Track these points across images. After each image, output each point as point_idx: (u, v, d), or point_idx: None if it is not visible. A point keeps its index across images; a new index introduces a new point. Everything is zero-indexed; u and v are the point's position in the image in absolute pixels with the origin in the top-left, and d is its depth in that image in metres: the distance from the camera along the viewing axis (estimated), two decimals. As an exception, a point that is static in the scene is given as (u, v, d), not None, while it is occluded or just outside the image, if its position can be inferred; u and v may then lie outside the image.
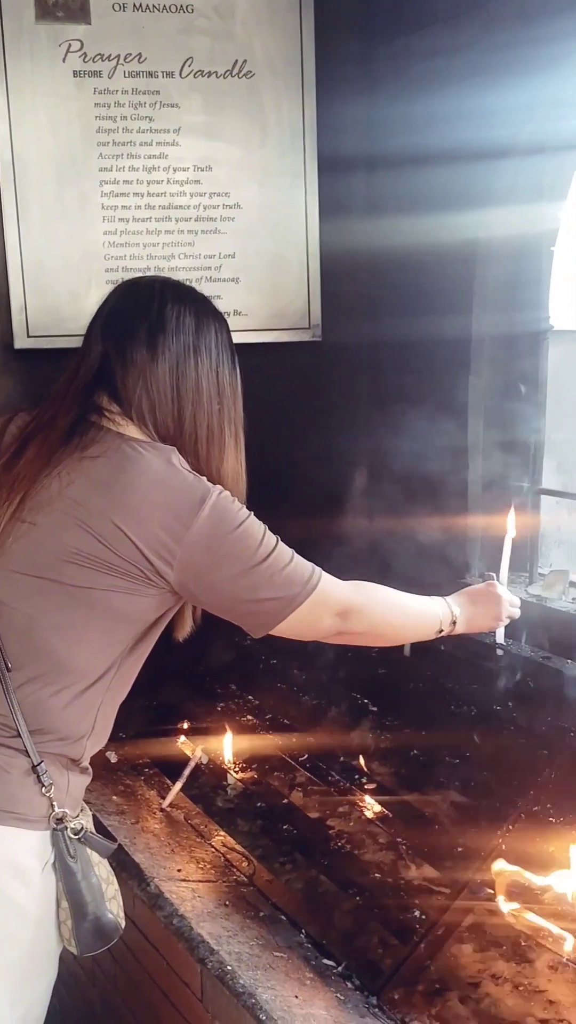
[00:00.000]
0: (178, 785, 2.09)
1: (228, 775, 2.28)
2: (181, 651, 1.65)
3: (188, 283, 1.57)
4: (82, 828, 1.42)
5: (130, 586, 1.38)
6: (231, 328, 1.55)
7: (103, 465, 1.38)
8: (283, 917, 1.72)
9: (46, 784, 1.38)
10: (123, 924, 1.48)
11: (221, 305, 1.59)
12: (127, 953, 1.84)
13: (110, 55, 2.55)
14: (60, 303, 2.59)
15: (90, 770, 1.51)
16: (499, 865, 1.80)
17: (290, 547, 1.45)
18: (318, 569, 1.46)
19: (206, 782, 2.25)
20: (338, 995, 1.51)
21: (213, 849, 1.93)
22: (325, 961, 1.60)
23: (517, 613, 1.80)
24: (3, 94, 2.47)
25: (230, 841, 1.97)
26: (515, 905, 1.72)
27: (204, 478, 1.40)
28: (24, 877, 1.38)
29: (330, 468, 2.87)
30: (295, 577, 1.43)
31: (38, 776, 1.38)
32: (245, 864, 1.88)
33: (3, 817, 1.36)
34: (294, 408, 2.83)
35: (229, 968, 1.50)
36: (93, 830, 1.47)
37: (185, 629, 1.61)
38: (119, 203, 2.62)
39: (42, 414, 1.47)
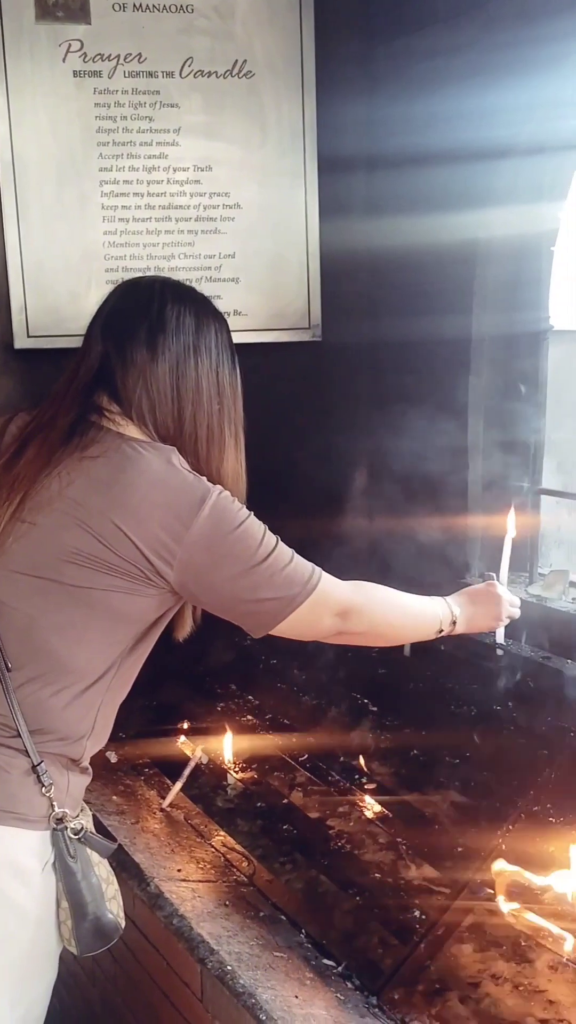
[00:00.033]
0: (178, 785, 2.09)
1: (228, 775, 2.28)
2: (181, 651, 1.65)
3: (188, 283, 1.57)
4: (82, 828, 1.42)
5: (130, 586, 1.38)
6: (231, 328, 1.55)
7: (103, 465, 1.38)
8: (283, 917, 1.72)
9: (46, 784, 1.38)
10: (123, 924, 1.48)
11: (221, 305, 1.59)
12: (127, 953, 1.84)
13: (110, 55, 2.55)
14: (60, 303, 2.59)
15: (90, 770, 1.51)
16: (499, 865, 1.80)
17: (290, 547, 1.45)
18: (318, 569, 1.46)
19: (206, 782, 2.25)
20: (338, 995, 1.51)
21: (213, 849, 1.93)
22: (325, 961, 1.60)
23: (517, 613, 1.80)
24: (3, 94, 2.47)
25: (230, 841, 1.97)
26: (515, 905, 1.72)
27: (204, 478, 1.40)
28: (24, 877, 1.38)
29: (330, 468, 2.87)
30: (295, 577, 1.43)
31: (38, 776, 1.38)
32: (245, 864, 1.88)
33: (3, 817, 1.36)
34: (294, 408, 2.83)
35: (229, 968, 1.50)
36: (93, 830, 1.47)
37: (185, 629, 1.61)
38: (119, 203, 2.62)
39: (42, 414, 1.48)
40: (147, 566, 1.36)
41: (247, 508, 1.43)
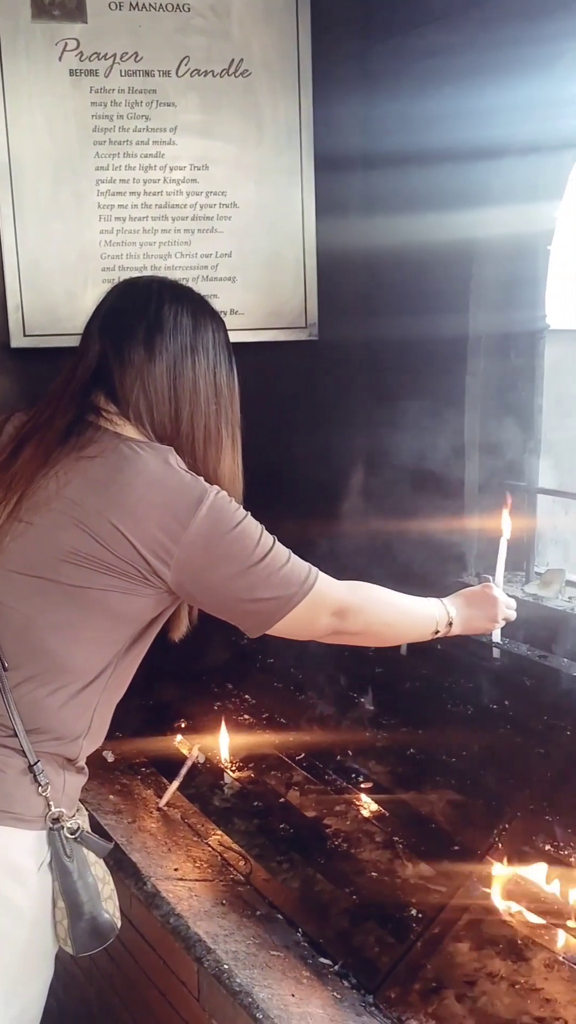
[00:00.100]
0: (175, 784, 2.09)
1: (225, 774, 2.28)
2: (178, 650, 1.65)
3: (185, 282, 1.56)
4: (78, 828, 1.42)
5: (127, 586, 1.38)
6: (228, 327, 1.55)
7: (100, 465, 1.38)
8: (280, 916, 1.72)
9: (42, 784, 1.38)
10: (119, 924, 1.48)
11: (218, 304, 1.59)
12: (124, 952, 1.84)
13: (106, 54, 2.55)
14: (56, 302, 2.58)
15: (86, 770, 1.51)
16: (495, 863, 1.81)
17: (286, 546, 1.45)
18: (315, 569, 1.47)
19: (203, 781, 2.25)
20: (335, 994, 1.51)
21: (210, 848, 1.93)
22: (322, 960, 1.60)
23: (513, 615, 1.80)
24: (-1, 93, 2.47)
25: (227, 840, 1.97)
26: (511, 903, 1.72)
27: (201, 478, 1.41)
28: (20, 877, 1.38)
29: (327, 467, 2.87)
30: (292, 577, 1.43)
31: (34, 776, 1.38)
32: (242, 863, 1.88)
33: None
34: (291, 407, 2.83)
35: (226, 967, 1.50)
36: (89, 830, 1.47)
37: (181, 629, 1.61)
38: (115, 202, 2.62)
39: (39, 414, 1.47)
40: (144, 566, 1.36)
41: (244, 508, 1.43)
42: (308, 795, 2.18)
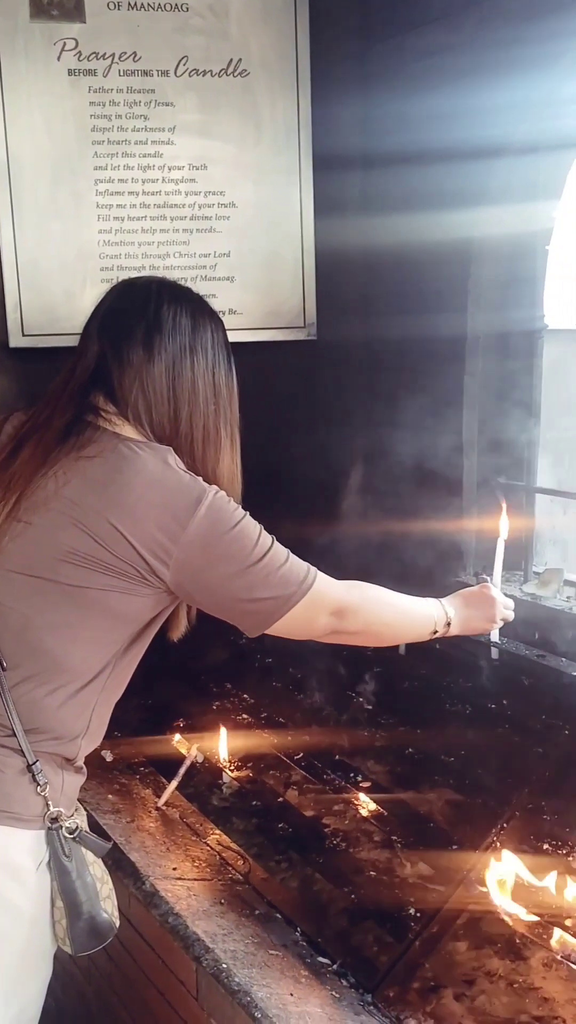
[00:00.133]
0: (173, 784, 2.09)
1: (223, 774, 2.28)
2: (176, 650, 1.65)
3: (183, 282, 1.56)
4: (77, 827, 1.42)
5: (126, 586, 1.38)
6: (226, 327, 1.56)
7: (99, 465, 1.38)
8: (278, 915, 1.72)
9: (41, 783, 1.38)
10: (117, 923, 1.48)
11: (216, 304, 1.59)
12: (123, 952, 1.85)
13: (105, 54, 2.55)
14: (55, 302, 2.58)
15: (85, 769, 1.52)
16: (494, 863, 1.81)
17: (285, 546, 1.45)
18: (313, 568, 1.47)
19: (201, 781, 2.25)
20: (333, 993, 1.51)
21: (208, 847, 1.93)
22: (320, 959, 1.61)
23: (511, 616, 1.80)
24: (-2, 92, 2.47)
25: (225, 839, 1.97)
26: (510, 902, 1.72)
27: (200, 478, 1.41)
28: (19, 876, 1.38)
29: (326, 467, 2.87)
30: (291, 577, 1.43)
31: (33, 775, 1.38)
32: (240, 862, 1.89)
33: (-1, 816, 1.36)
34: (289, 407, 2.83)
35: (224, 966, 1.50)
36: (88, 829, 1.47)
37: (179, 629, 1.61)
38: (114, 202, 2.62)
39: (38, 414, 1.47)
40: (143, 566, 1.36)
41: (242, 507, 1.44)
42: (307, 794, 2.18)
